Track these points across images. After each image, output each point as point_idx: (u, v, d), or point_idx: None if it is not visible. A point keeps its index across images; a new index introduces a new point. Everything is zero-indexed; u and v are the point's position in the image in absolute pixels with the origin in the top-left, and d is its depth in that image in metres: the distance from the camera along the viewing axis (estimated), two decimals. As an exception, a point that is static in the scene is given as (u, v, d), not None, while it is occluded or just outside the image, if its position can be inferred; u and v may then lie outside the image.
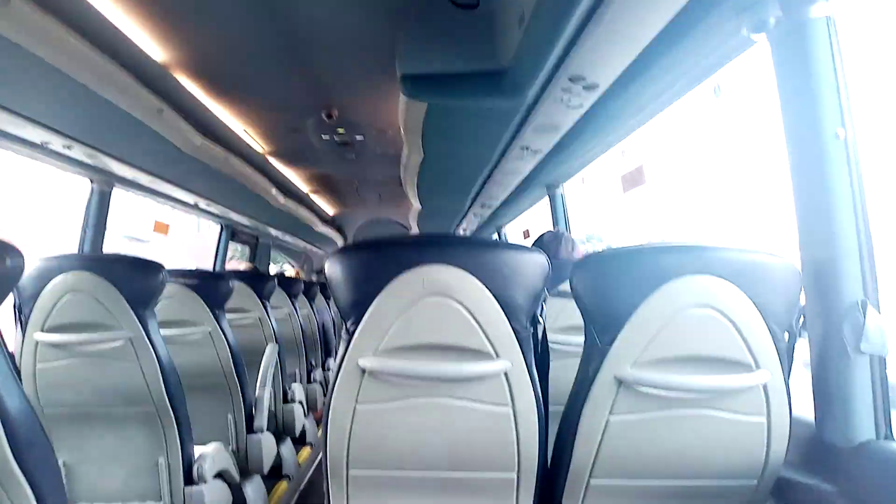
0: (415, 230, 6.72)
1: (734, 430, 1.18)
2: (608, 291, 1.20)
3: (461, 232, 5.87)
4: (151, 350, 1.82)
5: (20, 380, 1.66)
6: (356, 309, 1.22)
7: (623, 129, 2.41)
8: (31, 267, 1.78)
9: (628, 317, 1.17)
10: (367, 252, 1.26)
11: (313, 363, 4.41)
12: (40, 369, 1.81)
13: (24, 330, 1.79)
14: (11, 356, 1.82)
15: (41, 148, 2.47)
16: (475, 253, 1.20)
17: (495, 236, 5.72)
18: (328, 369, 4.65)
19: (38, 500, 1.14)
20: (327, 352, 4.95)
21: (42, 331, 1.77)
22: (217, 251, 5.25)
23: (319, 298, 5.15)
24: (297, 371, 4.04)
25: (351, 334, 1.22)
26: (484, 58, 1.82)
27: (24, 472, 1.12)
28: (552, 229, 2.72)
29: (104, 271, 1.78)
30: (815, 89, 1.24)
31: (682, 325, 1.15)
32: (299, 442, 3.63)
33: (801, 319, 1.29)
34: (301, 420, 3.45)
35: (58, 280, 1.76)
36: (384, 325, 1.20)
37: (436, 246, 1.22)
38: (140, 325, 1.80)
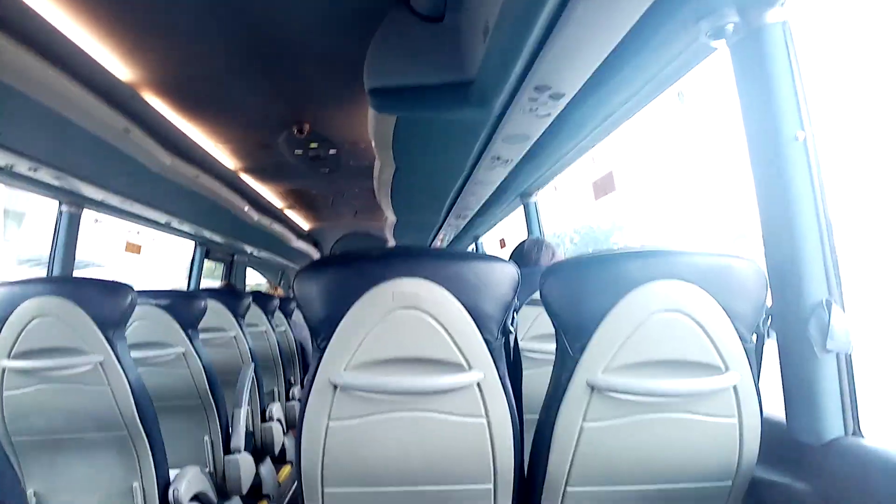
0: (392, 243, 6.71)
1: (707, 432, 1.19)
2: (577, 298, 1.20)
3: (438, 243, 5.86)
4: (122, 373, 1.78)
5: None
6: (326, 324, 1.21)
7: (592, 137, 2.43)
8: None
9: (598, 323, 1.17)
10: (336, 267, 1.26)
11: (291, 380, 4.36)
12: (7, 396, 1.76)
13: None
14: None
15: (6, 171, 2.43)
16: (445, 265, 1.20)
17: (472, 247, 5.73)
18: None
19: None
20: (305, 369, 4.90)
21: (9, 357, 1.73)
22: (191, 269, 5.19)
23: (297, 314, 5.11)
24: (276, 389, 3.99)
25: (322, 350, 1.21)
26: (451, 70, 1.83)
27: None
28: (531, 237, 2.73)
29: (72, 295, 1.74)
30: (774, 93, 1.26)
31: (651, 329, 1.16)
32: (279, 461, 3.59)
33: (769, 320, 1.31)
34: (280, 438, 3.40)
35: (24, 305, 1.72)
36: (355, 339, 1.19)
37: (405, 259, 1.21)
38: (110, 349, 1.77)
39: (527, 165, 2.72)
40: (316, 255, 7.26)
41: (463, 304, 1.19)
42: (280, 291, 7.23)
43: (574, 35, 1.38)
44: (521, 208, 3.78)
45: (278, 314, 4.31)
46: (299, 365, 4.64)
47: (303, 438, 1.24)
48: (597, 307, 1.17)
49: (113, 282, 1.83)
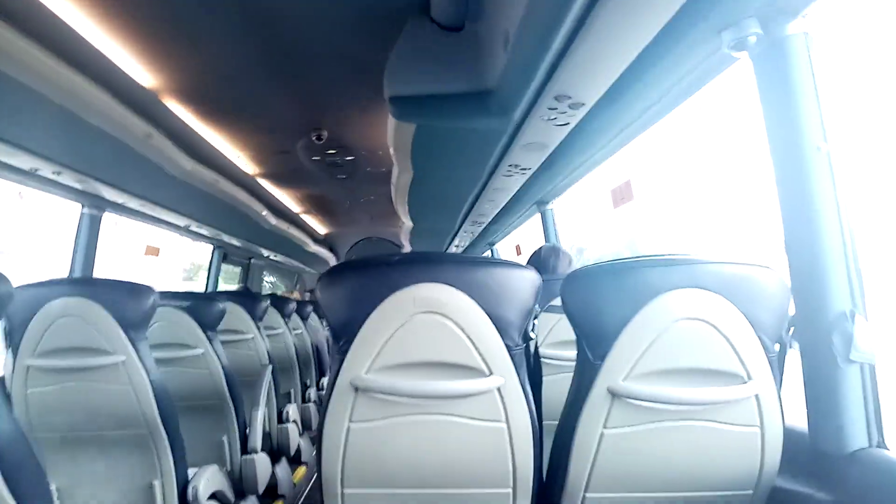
0: (407, 248, 6.73)
1: (728, 441, 1.19)
2: (599, 306, 1.21)
3: (454, 249, 5.87)
4: (144, 373, 1.81)
5: (11, 405, 1.65)
6: (348, 328, 1.22)
7: (611, 146, 2.44)
8: (22, 293, 1.78)
9: (620, 331, 1.17)
10: (359, 272, 1.27)
11: (308, 383, 4.39)
12: (31, 394, 1.80)
13: (14, 355, 1.78)
14: (2, 381, 1.82)
15: (31, 175, 2.47)
16: (466, 270, 1.21)
17: (488, 253, 5.73)
18: (322, 389, 4.63)
19: None
20: (322, 371, 4.93)
21: (33, 356, 1.77)
22: (209, 272, 5.24)
23: (313, 318, 5.14)
24: (292, 391, 4.02)
25: (343, 353, 1.22)
26: (470, 79, 1.84)
27: (16, 497, 1.11)
28: (548, 243, 2.73)
29: (95, 296, 1.78)
30: (797, 104, 1.27)
31: (673, 338, 1.16)
32: (294, 462, 3.61)
33: (791, 330, 1.30)
34: (296, 440, 3.43)
35: (49, 305, 1.76)
36: (376, 343, 1.20)
37: (427, 264, 1.22)
38: (132, 348, 1.80)
39: (544, 173, 2.72)
40: (332, 259, 7.30)
41: (484, 310, 1.20)
42: (297, 295, 7.27)
43: (596, 44, 1.38)
44: (536, 216, 3.79)
45: (295, 317, 4.34)
46: (315, 367, 4.67)
47: (323, 439, 1.25)
48: (619, 315, 1.18)
49: (135, 283, 1.86)
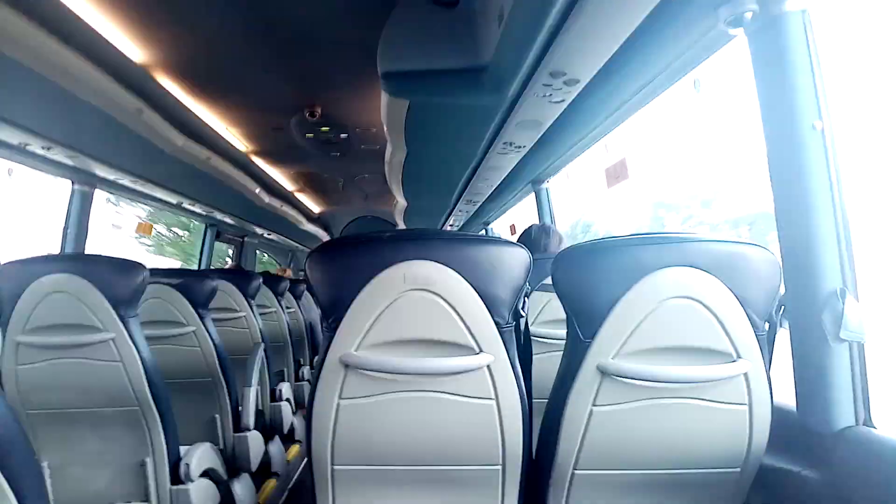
0: (402, 227, 6.71)
1: (716, 418, 1.20)
2: (589, 284, 1.20)
3: (448, 228, 5.86)
4: (134, 350, 1.81)
5: (0, 381, 1.64)
6: (338, 305, 1.22)
7: (606, 124, 2.42)
8: (11, 269, 1.77)
9: (610, 309, 1.17)
10: (349, 248, 1.26)
11: (301, 361, 4.40)
12: (21, 371, 1.79)
13: (3, 332, 1.78)
14: (-9, 358, 1.82)
15: (20, 150, 2.45)
16: (456, 248, 1.20)
17: (482, 233, 5.73)
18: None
19: (19, 502, 1.13)
20: (315, 350, 4.94)
21: (23, 332, 1.76)
22: (202, 250, 5.23)
23: (306, 296, 5.14)
24: (285, 369, 4.03)
25: (333, 330, 1.22)
26: (465, 55, 1.82)
27: (5, 474, 1.11)
28: (538, 223, 2.73)
29: (86, 272, 1.77)
30: (792, 82, 1.26)
31: (663, 316, 1.16)
32: (288, 440, 3.63)
33: (781, 309, 1.31)
34: (289, 418, 3.44)
35: (39, 282, 1.75)
36: (366, 320, 1.20)
37: (417, 242, 1.21)
38: (122, 326, 1.79)
39: (539, 152, 2.71)
40: (326, 238, 7.28)
41: (474, 288, 1.19)
42: (289, 273, 7.26)
43: (591, 20, 1.37)
44: (531, 196, 3.78)
45: (288, 295, 4.33)
46: (308, 346, 4.68)
47: (313, 416, 1.25)
48: (609, 293, 1.17)
49: (126, 260, 1.85)
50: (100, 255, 1.87)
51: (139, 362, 1.82)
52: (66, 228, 3.04)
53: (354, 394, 1.22)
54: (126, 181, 3.25)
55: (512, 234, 4.78)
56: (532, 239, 2.35)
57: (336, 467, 1.28)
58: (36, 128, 2.33)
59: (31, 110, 2.20)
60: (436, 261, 1.19)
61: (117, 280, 1.80)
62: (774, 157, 1.31)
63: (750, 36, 1.33)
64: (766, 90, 1.32)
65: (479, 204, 4.42)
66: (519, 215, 4.76)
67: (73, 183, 3.03)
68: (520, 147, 2.61)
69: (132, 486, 1.93)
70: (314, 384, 1.25)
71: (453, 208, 4.77)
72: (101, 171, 2.97)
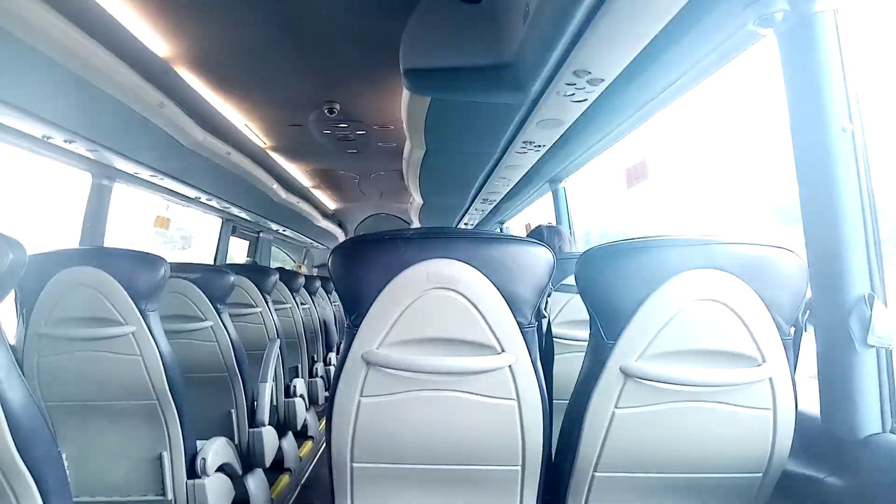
0: (416, 225, 6.71)
1: (740, 423, 1.18)
2: (614, 285, 1.19)
3: (463, 226, 5.85)
4: (153, 344, 1.82)
5: (23, 373, 1.66)
6: (360, 303, 1.21)
7: (628, 124, 2.41)
8: (33, 262, 1.78)
9: (634, 311, 1.16)
10: (372, 246, 1.26)
11: (315, 357, 4.42)
12: (43, 363, 1.81)
13: (26, 324, 1.79)
14: (13, 350, 1.84)
15: (42, 142, 2.47)
16: (480, 247, 1.20)
17: (498, 231, 5.71)
18: (329, 363, 4.66)
19: (41, 492, 1.14)
20: (328, 346, 4.95)
21: (45, 325, 1.78)
22: (218, 245, 5.26)
23: (320, 293, 5.15)
24: (299, 365, 4.05)
25: (355, 327, 1.22)
26: (488, 52, 1.81)
27: (28, 464, 1.12)
28: (548, 223, 2.72)
29: (107, 266, 1.78)
30: (822, 83, 1.24)
31: (688, 319, 1.15)
32: (301, 436, 3.64)
33: (807, 313, 1.29)
34: (303, 414, 3.45)
35: (61, 274, 1.76)
36: (389, 318, 1.20)
37: (440, 240, 1.21)
38: (142, 320, 1.81)
39: (559, 151, 2.69)
40: (340, 235, 7.30)
41: (497, 287, 1.19)
42: (304, 269, 7.29)
43: (618, 19, 1.35)
44: (548, 195, 3.76)
45: (303, 292, 4.35)
46: (322, 342, 4.70)
47: (333, 413, 1.25)
48: (634, 295, 1.16)
49: (147, 254, 1.86)
50: (121, 249, 1.88)
51: (158, 356, 1.83)
52: (84, 222, 3.06)
53: (376, 391, 1.22)
54: (145, 175, 3.27)
55: (526, 234, 4.76)
56: (544, 240, 2.33)
57: (356, 465, 1.28)
58: (59, 120, 2.35)
59: (55, 103, 2.22)
60: (459, 259, 1.18)
61: (139, 274, 1.81)
62: (802, 158, 1.29)
63: (779, 36, 1.32)
64: (795, 92, 1.30)
65: (495, 203, 4.41)
66: (534, 215, 4.74)
67: (92, 176, 3.05)
68: (539, 146, 2.59)
69: (149, 479, 1.94)
70: (335, 381, 1.25)
71: (469, 207, 4.76)
72: (121, 165, 2.99)
